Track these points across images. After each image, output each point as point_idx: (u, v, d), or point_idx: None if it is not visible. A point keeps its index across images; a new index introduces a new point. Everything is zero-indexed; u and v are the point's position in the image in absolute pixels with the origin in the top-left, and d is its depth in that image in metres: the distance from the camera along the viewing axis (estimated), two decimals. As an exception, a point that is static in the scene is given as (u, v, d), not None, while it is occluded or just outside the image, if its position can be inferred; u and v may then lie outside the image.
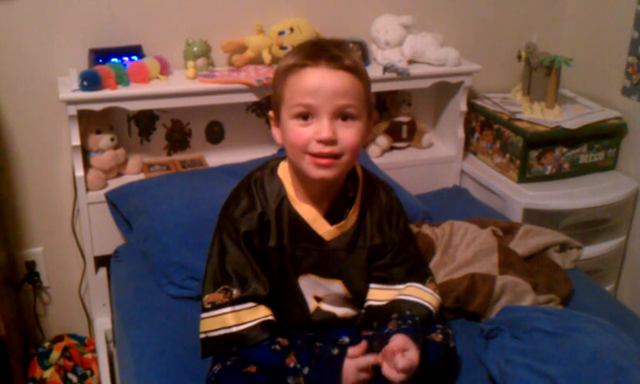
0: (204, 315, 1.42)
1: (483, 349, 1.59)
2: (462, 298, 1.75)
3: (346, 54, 1.33)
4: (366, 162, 2.35)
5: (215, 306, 1.40)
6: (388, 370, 1.29)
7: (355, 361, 1.32)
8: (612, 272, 2.61)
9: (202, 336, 1.42)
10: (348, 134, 1.33)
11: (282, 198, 1.44)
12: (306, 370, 1.33)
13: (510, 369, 1.47)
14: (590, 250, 2.43)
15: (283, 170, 1.46)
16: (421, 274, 1.52)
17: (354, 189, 1.48)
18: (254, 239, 1.42)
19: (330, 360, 1.35)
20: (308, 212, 1.44)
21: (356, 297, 1.52)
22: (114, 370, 2.21)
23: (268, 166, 1.49)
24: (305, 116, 1.33)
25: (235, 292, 1.39)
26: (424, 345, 1.42)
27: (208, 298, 1.41)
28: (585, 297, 1.88)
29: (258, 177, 1.47)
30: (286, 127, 1.36)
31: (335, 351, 1.38)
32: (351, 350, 1.34)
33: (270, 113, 1.43)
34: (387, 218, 1.50)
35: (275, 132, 1.43)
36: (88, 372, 2.31)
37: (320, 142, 1.31)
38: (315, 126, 1.32)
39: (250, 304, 1.40)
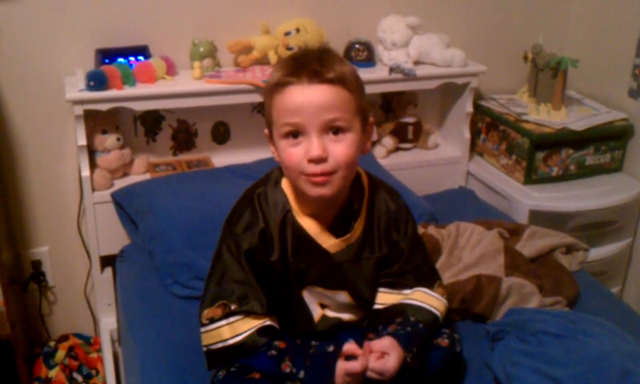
0: (202, 330, 1.41)
1: (489, 351, 1.59)
2: (467, 300, 1.75)
3: (329, 66, 1.27)
4: (372, 163, 2.35)
5: (212, 321, 1.39)
6: (359, 361, 1.29)
7: (344, 364, 1.30)
8: (618, 274, 2.60)
9: (205, 349, 1.41)
10: (339, 148, 1.29)
11: (286, 211, 1.41)
12: (301, 374, 1.32)
13: (516, 371, 1.46)
14: (597, 252, 2.42)
15: (286, 183, 1.43)
16: (429, 279, 1.50)
17: (359, 200, 1.45)
18: (256, 255, 1.40)
19: (324, 359, 1.33)
20: (312, 226, 1.42)
21: (362, 305, 1.51)
22: (119, 369, 2.22)
23: (271, 178, 1.46)
24: (294, 135, 1.29)
25: (233, 307, 1.38)
26: (429, 349, 1.42)
27: (207, 313, 1.40)
28: (591, 299, 1.88)
29: (262, 191, 1.44)
30: (278, 147, 1.34)
31: (330, 348, 1.35)
32: (346, 347, 1.32)
33: (265, 130, 1.40)
34: (394, 225, 1.48)
35: (272, 150, 1.40)
36: (93, 371, 2.31)
37: (310, 161, 1.28)
38: (305, 144, 1.28)
39: (245, 315, 1.38)
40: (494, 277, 1.79)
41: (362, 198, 1.46)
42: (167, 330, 1.73)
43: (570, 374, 1.39)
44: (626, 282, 2.66)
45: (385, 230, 1.47)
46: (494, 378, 1.53)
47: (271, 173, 1.48)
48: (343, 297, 1.49)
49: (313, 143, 1.27)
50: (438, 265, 1.87)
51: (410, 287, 1.48)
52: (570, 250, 2.05)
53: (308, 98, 1.27)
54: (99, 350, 2.37)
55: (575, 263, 2.02)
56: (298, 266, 1.43)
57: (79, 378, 2.29)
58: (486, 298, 1.75)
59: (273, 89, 1.31)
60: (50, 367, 2.28)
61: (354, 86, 1.31)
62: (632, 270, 2.64)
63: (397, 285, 1.48)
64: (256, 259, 1.40)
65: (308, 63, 1.28)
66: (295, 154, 1.30)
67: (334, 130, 1.29)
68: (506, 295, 1.75)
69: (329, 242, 1.43)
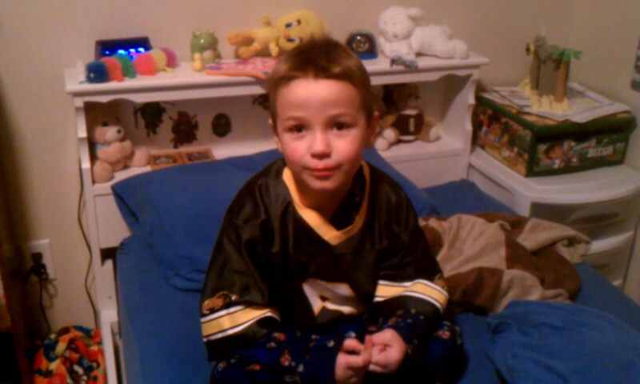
0: (202, 320, 1.41)
1: (490, 343, 1.59)
2: (469, 292, 1.74)
3: (336, 61, 1.27)
4: (373, 156, 2.34)
5: (213, 311, 1.39)
6: (362, 355, 1.29)
7: (346, 358, 1.30)
8: (620, 267, 2.60)
9: (205, 340, 1.41)
10: (343, 143, 1.29)
11: (288, 203, 1.41)
12: (300, 368, 1.32)
13: (517, 363, 1.46)
14: (598, 245, 2.42)
15: (288, 174, 1.43)
16: (430, 271, 1.50)
17: (360, 192, 1.45)
18: (256, 246, 1.40)
19: (323, 354, 1.33)
20: (313, 218, 1.41)
21: (363, 297, 1.51)
22: (120, 361, 2.22)
23: (273, 170, 1.46)
24: (298, 128, 1.29)
25: (234, 298, 1.38)
26: (430, 341, 1.41)
27: (207, 303, 1.40)
28: (593, 291, 1.87)
29: (263, 183, 1.43)
30: (282, 140, 1.34)
31: (331, 343, 1.35)
32: (347, 342, 1.32)
33: (270, 121, 1.40)
34: (396, 217, 1.48)
35: (276, 141, 1.39)
36: (94, 364, 2.31)
37: (314, 156, 1.28)
38: (308, 138, 1.28)
39: (245, 306, 1.38)
40: (496, 269, 1.79)
41: (363, 190, 1.45)
42: (168, 322, 1.73)
43: (572, 366, 1.39)
44: (628, 274, 2.66)
45: (385, 222, 1.47)
46: (495, 371, 1.53)
47: (273, 164, 1.48)
48: (344, 289, 1.48)
49: (316, 138, 1.27)
50: (440, 257, 1.87)
51: (411, 279, 1.48)
52: (571, 242, 2.05)
53: (313, 92, 1.26)
54: (100, 343, 2.37)
55: (577, 256, 2.02)
56: (299, 258, 1.43)
57: (80, 371, 2.29)
58: (487, 290, 1.74)
59: (278, 82, 1.31)
60: (51, 360, 2.28)
61: (359, 80, 1.31)
62: (634, 263, 2.63)
63: (397, 277, 1.48)
64: (257, 250, 1.40)
65: (314, 58, 1.28)
66: (299, 147, 1.30)
67: (339, 125, 1.29)
68: (508, 288, 1.75)
69: (330, 234, 1.42)
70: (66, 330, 2.41)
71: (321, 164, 1.28)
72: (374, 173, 1.50)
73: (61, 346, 2.31)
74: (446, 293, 1.51)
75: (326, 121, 1.27)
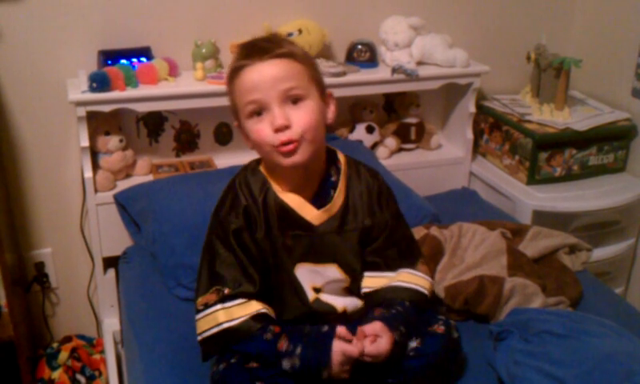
0: (197, 317, 1.43)
1: (492, 351, 1.59)
2: (470, 300, 1.75)
3: (278, 44, 1.38)
4: (375, 164, 2.34)
5: (207, 307, 1.42)
6: (356, 346, 1.33)
7: (341, 344, 1.33)
8: (622, 274, 2.60)
9: (199, 338, 1.43)
10: (301, 114, 1.36)
11: (267, 189, 1.47)
12: (298, 349, 1.35)
13: (519, 371, 1.46)
14: (600, 252, 2.42)
15: (264, 166, 1.50)
16: (412, 256, 1.55)
17: (336, 173, 1.51)
18: (243, 234, 1.45)
19: (319, 337, 1.36)
20: (294, 199, 1.46)
21: (354, 281, 1.53)
22: (122, 371, 2.22)
23: (249, 166, 1.54)
24: (258, 112, 1.37)
25: (227, 291, 1.41)
26: (426, 337, 1.44)
27: (201, 299, 1.43)
28: (594, 299, 1.87)
29: (242, 178, 1.51)
30: (247, 130, 1.41)
31: (325, 328, 1.39)
32: (340, 330, 1.35)
33: (235, 123, 1.47)
34: (377, 199, 1.53)
35: (244, 139, 1.46)
36: (96, 373, 2.31)
37: (276, 131, 1.34)
38: (269, 118, 1.35)
39: (241, 300, 1.41)
40: (497, 277, 1.79)
41: (339, 171, 1.51)
42: (170, 331, 1.73)
43: (574, 374, 1.39)
44: (630, 282, 2.66)
45: (367, 202, 1.52)
46: (497, 379, 1.53)
47: (248, 164, 1.56)
48: (334, 270, 1.51)
49: (275, 114, 1.34)
50: (441, 265, 1.87)
51: (394, 266, 1.52)
52: (573, 250, 2.05)
53: (262, 73, 1.35)
54: (102, 352, 2.37)
55: (578, 263, 2.02)
56: (285, 241, 1.47)
57: (82, 380, 2.29)
58: (488, 298, 1.74)
59: (231, 77, 1.40)
60: (53, 369, 2.28)
61: (303, 59, 1.40)
62: (635, 271, 2.63)
63: (382, 265, 1.52)
64: (244, 239, 1.44)
65: (258, 45, 1.38)
66: (263, 129, 1.37)
67: (293, 99, 1.37)
68: (509, 295, 1.75)
69: (311, 214, 1.47)
70: (68, 339, 2.41)
71: (285, 136, 1.34)
72: (350, 158, 1.56)
73: (63, 355, 2.31)
74: (429, 277, 1.56)
75: (279, 96, 1.35)
